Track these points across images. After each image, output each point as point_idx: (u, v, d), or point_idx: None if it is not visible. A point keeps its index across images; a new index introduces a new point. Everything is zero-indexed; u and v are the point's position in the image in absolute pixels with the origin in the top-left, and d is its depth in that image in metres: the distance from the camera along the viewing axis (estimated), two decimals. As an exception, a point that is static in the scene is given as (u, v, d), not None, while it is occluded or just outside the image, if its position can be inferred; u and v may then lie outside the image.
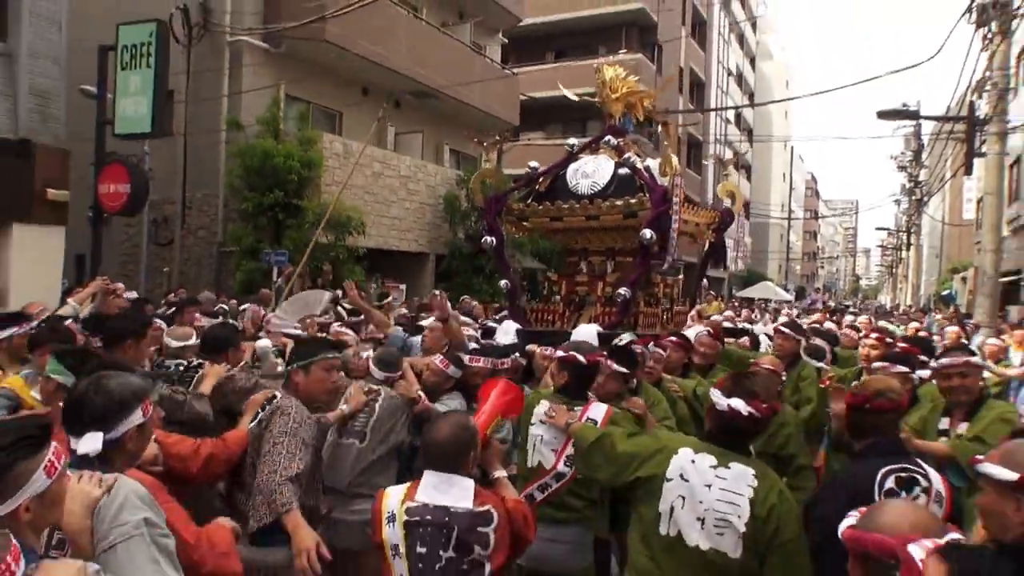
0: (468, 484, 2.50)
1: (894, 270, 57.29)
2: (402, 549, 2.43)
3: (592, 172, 5.90)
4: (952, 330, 10.14)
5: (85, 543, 1.83)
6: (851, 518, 1.73)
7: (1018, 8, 10.51)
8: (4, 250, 9.12)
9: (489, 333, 6.12)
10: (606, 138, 6.11)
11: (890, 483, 2.55)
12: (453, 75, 17.28)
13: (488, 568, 2.42)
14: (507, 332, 5.07)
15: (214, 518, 3.23)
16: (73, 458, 1.95)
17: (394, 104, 17.43)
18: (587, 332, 4.71)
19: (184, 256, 14.60)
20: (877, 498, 2.47)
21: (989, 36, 10.71)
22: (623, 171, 5.83)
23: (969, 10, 10.77)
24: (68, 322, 5.04)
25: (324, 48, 14.01)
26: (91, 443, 1.99)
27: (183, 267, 14.62)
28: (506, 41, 22.88)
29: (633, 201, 5.54)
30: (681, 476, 2.66)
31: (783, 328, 5.80)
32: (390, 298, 10.89)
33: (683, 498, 2.64)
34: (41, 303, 6.55)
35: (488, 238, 5.96)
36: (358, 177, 15.10)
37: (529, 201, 6.10)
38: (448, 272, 17.31)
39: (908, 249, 43.29)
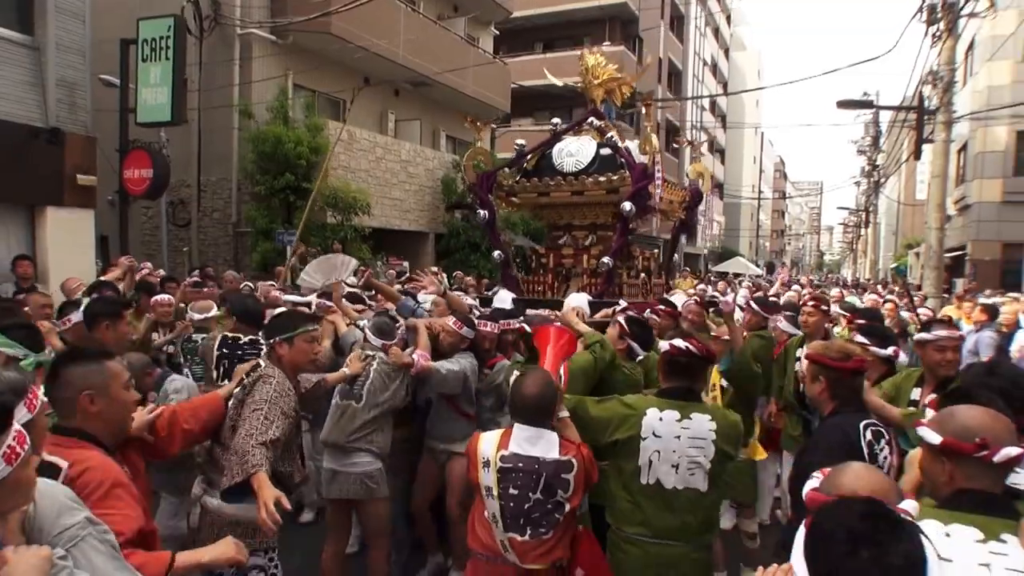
0: (554, 437, 2.65)
1: (855, 246, 57.75)
2: (495, 491, 2.63)
3: (576, 151, 5.96)
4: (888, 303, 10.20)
5: None
6: (815, 479, 1.73)
7: (962, 8, 10.67)
8: (40, 232, 9.23)
9: (486, 303, 6.08)
10: (590, 120, 6.17)
11: (869, 435, 2.58)
12: (448, 65, 17.32)
13: (568, 507, 2.63)
14: (503, 301, 5.13)
15: (195, 475, 3.27)
16: None
17: (394, 93, 17.50)
18: (579, 300, 4.76)
19: (201, 236, 14.68)
20: (864, 446, 2.53)
21: (937, 34, 10.88)
22: (605, 151, 5.91)
23: (920, 9, 10.95)
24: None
25: (329, 40, 14.02)
26: None
27: (201, 247, 14.73)
28: (498, 33, 22.82)
29: (615, 178, 5.62)
30: (654, 434, 2.81)
31: (752, 303, 5.73)
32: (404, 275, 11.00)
33: (658, 452, 2.81)
34: (78, 278, 6.73)
35: (482, 212, 6.02)
36: (362, 161, 15.22)
37: (518, 178, 6.15)
38: (447, 250, 17.48)
39: (867, 227, 43.69)
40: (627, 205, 5.39)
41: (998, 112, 17.15)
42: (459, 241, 17.29)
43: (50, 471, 1.94)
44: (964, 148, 22.58)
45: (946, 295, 14.07)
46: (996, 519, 1.66)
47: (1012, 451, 1.70)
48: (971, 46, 21.31)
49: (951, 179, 22.83)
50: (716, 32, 44.24)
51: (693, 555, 2.84)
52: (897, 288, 14.68)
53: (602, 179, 5.70)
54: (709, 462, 2.78)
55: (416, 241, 17.49)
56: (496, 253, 6.21)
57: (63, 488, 1.76)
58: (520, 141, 6.36)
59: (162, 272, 8.76)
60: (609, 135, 5.98)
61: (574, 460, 2.62)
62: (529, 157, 6.20)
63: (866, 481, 1.63)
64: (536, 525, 2.61)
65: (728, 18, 48.39)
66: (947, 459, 1.76)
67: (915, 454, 2.29)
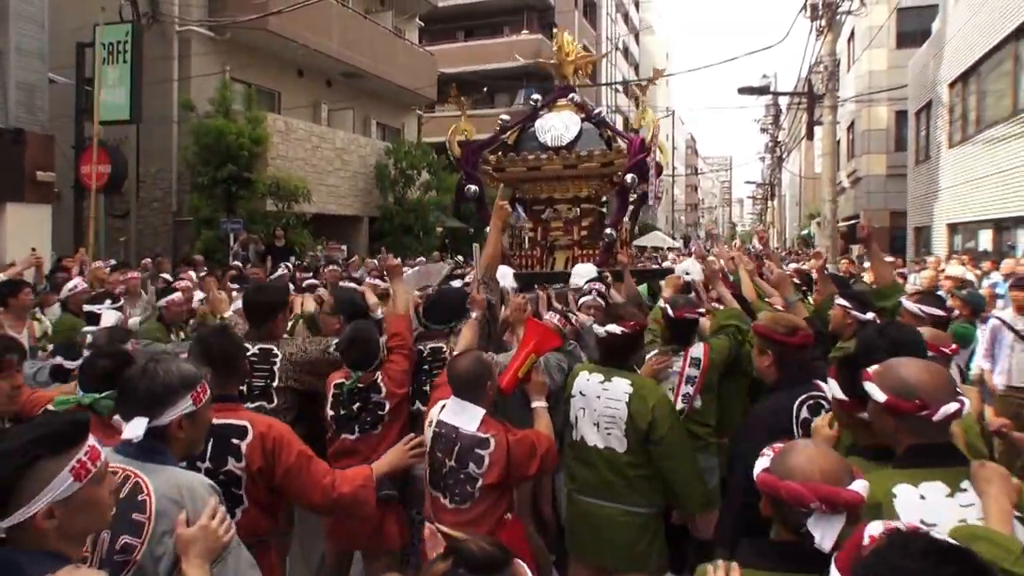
0: (478, 413, 2.69)
1: (763, 217, 61.43)
2: (428, 449, 2.74)
3: (560, 126, 6.03)
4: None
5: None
6: (765, 458, 1.67)
7: (840, 7, 12.40)
8: (1, 228, 9.65)
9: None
10: (570, 96, 6.26)
11: (804, 413, 2.58)
12: (378, 57, 18.15)
13: (481, 483, 2.63)
14: (504, 276, 4.82)
15: None
16: (123, 445, 1.84)
17: (327, 84, 18.16)
18: (586, 271, 4.97)
19: (140, 226, 14.95)
20: (796, 431, 2.54)
21: (820, 28, 12.59)
22: (588, 125, 6.04)
23: (804, 7, 12.63)
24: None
25: (266, 36, 14.66)
26: (134, 429, 1.82)
27: (140, 236, 14.97)
28: (423, 25, 23.67)
29: (611, 151, 5.76)
30: (580, 393, 3.10)
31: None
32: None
33: (583, 409, 3.08)
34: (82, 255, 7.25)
35: (471, 187, 6.02)
36: (299, 150, 15.87)
37: (499, 153, 6.19)
38: (381, 232, 18.35)
39: (773, 199, 46.82)
40: (629, 177, 5.47)
41: (878, 95, 19.36)
42: (392, 224, 18.22)
43: (236, 431, 2.31)
44: (852, 125, 25.02)
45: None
46: (951, 469, 1.74)
47: (951, 408, 1.75)
48: (852, 35, 23.65)
49: (843, 154, 25.32)
50: (626, 17, 46.09)
51: (622, 518, 2.96)
52: (810, 254, 16.14)
53: (597, 152, 5.79)
54: (624, 424, 2.94)
55: (351, 225, 18.33)
56: (487, 229, 6.30)
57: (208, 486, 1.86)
58: (504, 116, 6.53)
59: (113, 262, 9.13)
60: (597, 111, 6.25)
61: (492, 439, 2.65)
62: (508, 133, 6.35)
63: (818, 464, 1.56)
64: (451, 493, 2.67)
65: (636, 4, 50.36)
66: (891, 416, 1.81)
67: (820, 422, 2.35)
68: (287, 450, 2.35)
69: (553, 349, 3.29)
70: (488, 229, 3.93)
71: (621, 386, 2.99)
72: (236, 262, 10.42)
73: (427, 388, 3.31)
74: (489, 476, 2.62)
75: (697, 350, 3.58)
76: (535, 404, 2.95)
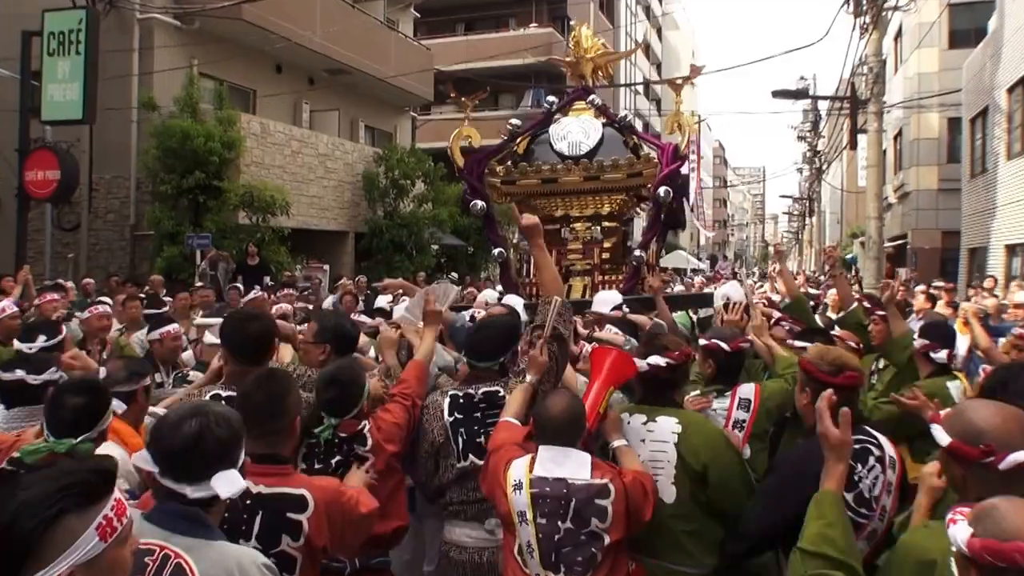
0: (584, 458, 2.60)
1: (800, 236, 61.32)
2: (529, 516, 2.54)
3: (578, 132, 5.87)
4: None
5: None
6: (961, 524, 1.53)
7: (887, 1, 12.34)
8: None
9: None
10: (590, 98, 6.06)
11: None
12: (367, 51, 18.14)
13: (607, 541, 2.51)
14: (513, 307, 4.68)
15: None
16: (157, 512, 1.80)
17: (308, 81, 18.17)
18: (609, 298, 4.85)
19: (92, 241, 14.87)
20: None
21: (864, 25, 12.52)
22: (609, 131, 5.84)
23: (847, 1, 12.57)
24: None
25: (239, 26, 14.63)
26: (232, 483, 1.81)
27: (91, 252, 14.88)
28: (418, 15, 23.75)
29: (638, 160, 5.57)
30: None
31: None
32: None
33: None
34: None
35: (477, 202, 5.83)
36: (276, 156, 15.80)
37: (508, 164, 6.00)
38: (368, 250, 18.22)
39: (811, 216, 46.73)
40: (663, 190, 5.29)
41: (929, 100, 19.31)
42: (382, 241, 18.07)
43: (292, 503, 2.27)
44: (900, 134, 24.97)
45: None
46: None
47: (1020, 456, 1.72)
48: (900, 32, 23.67)
49: (890, 166, 25.24)
50: (648, 11, 46.39)
51: None
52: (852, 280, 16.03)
53: (623, 162, 5.60)
54: (673, 468, 2.87)
55: (335, 242, 18.21)
56: (497, 251, 5.97)
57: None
58: (515, 121, 6.33)
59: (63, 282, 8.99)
60: (622, 114, 6.06)
61: (610, 485, 2.56)
62: (519, 140, 6.16)
63: None
64: (570, 563, 2.50)
65: (660, -5, 50.75)
66: (955, 463, 1.81)
67: (928, 470, 2.24)
68: (351, 513, 2.37)
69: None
70: (532, 252, 3.78)
71: (668, 425, 2.93)
72: (203, 283, 10.31)
73: (481, 440, 3.12)
74: (615, 531, 2.53)
75: (747, 390, 3.52)
76: (616, 443, 2.88)
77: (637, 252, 5.58)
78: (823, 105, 34.53)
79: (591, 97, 6.10)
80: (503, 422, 2.97)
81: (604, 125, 5.95)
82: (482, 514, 3.09)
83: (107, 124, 13.35)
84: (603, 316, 4.78)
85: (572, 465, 2.57)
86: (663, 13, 50.73)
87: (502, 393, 3.21)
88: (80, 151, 13.18)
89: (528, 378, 3.11)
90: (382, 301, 7.54)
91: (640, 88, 38.62)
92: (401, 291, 5.83)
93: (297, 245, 15.77)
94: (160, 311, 6.63)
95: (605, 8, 35.00)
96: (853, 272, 24.48)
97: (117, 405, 2.73)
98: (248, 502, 2.25)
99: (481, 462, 3.02)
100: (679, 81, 6.06)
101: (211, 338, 4.41)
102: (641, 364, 3.03)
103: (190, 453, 1.80)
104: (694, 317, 6.74)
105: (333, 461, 2.98)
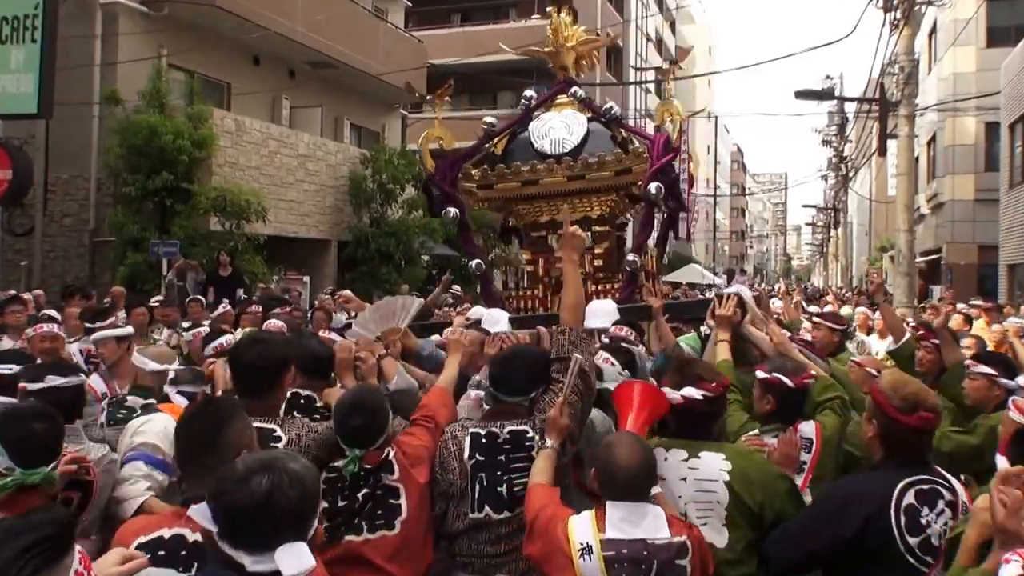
0: (659, 512, 2.54)
1: (824, 249, 61.33)
2: None
3: (561, 128, 5.80)
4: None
5: None
6: (1014, 564, 1.59)
7: (921, -6, 12.28)
8: None
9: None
10: (572, 90, 5.97)
11: (909, 498, 2.56)
12: (354, 43, 18.09)
13: None
14: (497, 322, 4.79)
15: None
16: None
17: (289, 75, 18.10)
18: (604, 308, 4.79)
19: (46, 248, 14.74)
20: (894, 518, 2.54)
21: (895, 21, 12.44)
22: (595, 125, 5.79)
23: (876, -5, 12.51)
24: None
25: (212, 14, 14.57)
26: (301, 559, 1.68)
27: (46, 260, 14.76)
28: (410, 4, 23.76)
29: (627, 155, 5.50)
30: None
31: (821, 319, 5.69)
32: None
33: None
34: None
35: (450, 210, 5.77)
36: (252, 157, 15.72)
37: (485, 167, 5.90)
38: (353, 260, 18.10)
39: (836, 227, 46.69)
40: (654, 186, 5.24)
41: (965, 103, 19.26)
42: (368, 251, 17.97)
43: None
44: (933, 140, 24.91)
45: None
46: None
47: None
48: (934, 29, 23.65)
49: (923, 174, 25.17)
50: (660, 2, 46.53)
51: None
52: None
53: (609, 158, 5.55)
54: (725, 509, 2.83)
55: (316, 251, 18.13)
56: (474, 262, 5.94)
57: None
58: (489, 119, 6.23)
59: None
60: (609, 106, 5.96)
61: (688, 541, 2.52)
62: (497, 140, 6.02)
63: None
64: None
65: (674, -15, 50.94)
66: None
67: (982, 504, 2.15)
68: None
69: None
70: (564, 268, 3.79)
71: (714, 462, 2.89)
72: (169, 294, 10.21)
73: (502, 489, 3.04)
74: None
75: (808, 428, 3.46)
76: (656, 490, 2.73)
77: (631, 257, 5.42)
78: (850, 107, 34.52)
79: (573, 89, 5.95)
80: (535, 487, 2.85)
81: (589, 119, 5.80)
82: (491, 569, 3.02)
83: (65, 119, 13.18)
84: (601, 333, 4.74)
85: (649, 523, 2.49)
86: (677, 6, 50.92)
87: (530, 433, 3.13)
88: (35, 148, 13.04)
89: (548, 443, 2.98)
90: (342, 318, 7.46)
91: (652, 87, 38.63)
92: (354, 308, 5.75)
93: (274, 254, 15.68)
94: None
95: (614, -1, 35.08)
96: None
97: (180, 401, 3.11)
98: (183, 553, 2.16)
99: (497, 516, 2.98)
100: (666, 66, 6.00)
101: (152, 364, 4.23)
102: (674, 396, 2.97)
103: (259, 515, 1.68)
104: (702, 334, 6.59)
105: (360, 495, 2.94)
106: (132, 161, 13.37)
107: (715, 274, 39.44)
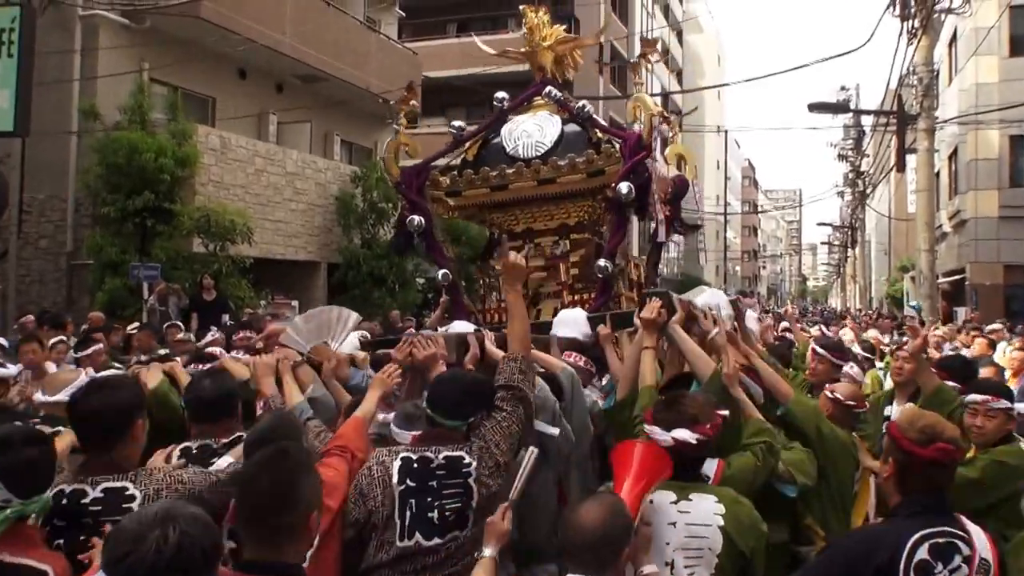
0: None
1: (841, 269, 61.43)
2: None
3: (534, 131, 5.80)
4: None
5: None
6: None
7: (938, 3, 12.43)
8: None
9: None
10: (547, 90, 6.00)
11: (922, 553, 2.50)
12: (344, 55, 18.26)
13: None
14: (573, 322, 4.83)
15: None
16: None
17: (276, 89, 18.25)
18: (574, 317, 4.82)
19: (21, 271, 14.76)
20: (903, 572, 2.48)
21: (912, 30, 12.59)
22: (570, 127, 5.80)
23: (892, 3, 12.64)
24: None
25: (196, 26, 14.72)
26: None
27: (21, 285, 14.77)
28: (403, 15, 23.99)
29: (599, 156, 5.50)
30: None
31: (819, 348, 5.69)
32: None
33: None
34: None
35: (414, 217, 5.80)
36: (237, 175, 15.80)
37: (453, 173, 5.94)
38: (343, 284, 18.13)
39: (854, 246, 46.84)
40: (624, 187, 5.26)
41: (987, 115, 19.39)
42: (359, 273, 18.00)
43: None
44: (955, 154, 25.03)
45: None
46: None
47: None
48: (954, 38, 23.85)
49: (944, 190, 25.26)
50: (666, 11, 46.96)
51: None
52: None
53: (580, 160, 5.54)
54: (716, 556, 2.80)
55: (305, 274, 18.18)
56: (441, 273, 5.99)
57: None
58: (457, 123, 6.34)
59: None
60: (581, 104, 5.99)
61: None
62: (468, 145, 6.10)
63: None
64: None
65: (680, -6, 51.44)
66: None
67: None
68: None
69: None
70: (507, 299, 3.80)
71: (707, 506, 2.87)
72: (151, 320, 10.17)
73: (433, 515, 3.00)
74: None
75: (709, 467, 3.31)
76: (647, 570, 2.66)
77: (602, 263, 5.43)
78: (867, 120, 34.73)
79: (547, 89, 6.03)
80: None
81: (564, 121, 5.87)
82: None
83: (42, 136, 13.22)
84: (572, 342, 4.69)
85: None
86: (684, 14, 51.36)
87: (467, 459, 3.08)
88: (10, 167, 13.03)
89: (487, 552, 2.80)
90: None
91: (659, 98, 38.86)
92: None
93: (261, 278, 15.71)
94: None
95: (617, 7, 35.38)
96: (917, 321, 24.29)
97: None
98: None
99: (428, 543, 2.93)
100: (635, 59, 6.04)
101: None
102: (665, 439, 2.93)
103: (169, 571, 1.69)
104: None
105: None
106: (112, 180, 13.43)
107: (726, 295, 39.44)
